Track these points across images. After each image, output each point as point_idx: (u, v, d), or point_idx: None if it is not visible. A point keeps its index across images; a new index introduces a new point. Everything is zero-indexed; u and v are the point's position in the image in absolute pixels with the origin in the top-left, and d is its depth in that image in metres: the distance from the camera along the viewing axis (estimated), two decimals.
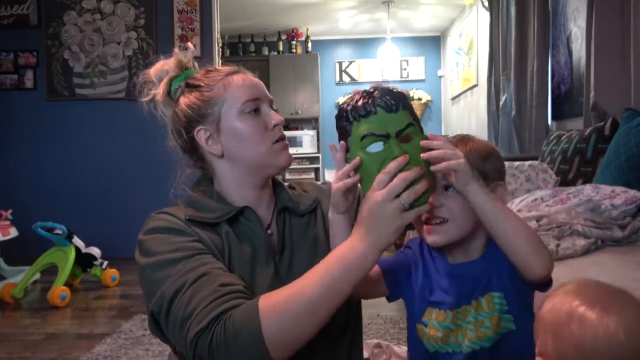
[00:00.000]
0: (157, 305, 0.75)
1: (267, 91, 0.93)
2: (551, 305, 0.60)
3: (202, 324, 0.68)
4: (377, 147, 0.72)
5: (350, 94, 0.81)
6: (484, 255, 0.80)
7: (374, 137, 0.72)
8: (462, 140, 0.83)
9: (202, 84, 0.91)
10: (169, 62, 0.96)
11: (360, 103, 0.74)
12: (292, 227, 0.94)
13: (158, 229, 0.82)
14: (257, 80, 0.93)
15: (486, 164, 0.80)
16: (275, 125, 0.90)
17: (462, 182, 0.71)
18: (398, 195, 0.67)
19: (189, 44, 1.01)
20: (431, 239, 0.77)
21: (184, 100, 0.92)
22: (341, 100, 7.04)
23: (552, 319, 0.59)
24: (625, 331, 0.54)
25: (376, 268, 0.86)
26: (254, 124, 0.88)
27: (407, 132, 0.73)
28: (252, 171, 0.90)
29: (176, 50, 0.98)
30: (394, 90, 0.76)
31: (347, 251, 0.69)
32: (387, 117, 0.73)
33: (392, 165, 0.67)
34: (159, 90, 0.95)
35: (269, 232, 0.93)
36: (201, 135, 0.90)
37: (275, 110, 0.93)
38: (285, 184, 1.01)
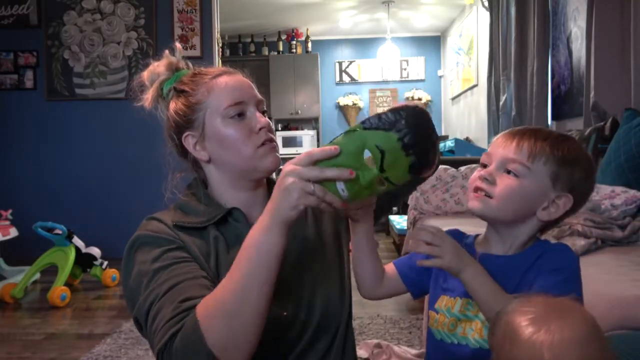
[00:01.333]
0: (138, 316, 0.77)
1: (254, 91, 0.91)
2: (502, 322, 0.59)
3: (161, 342, 0.69)
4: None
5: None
6: (516, 255, 0.78)
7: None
8: (558, 139, 0.76)
9: (187, 89, 0.90)
10: (161, 64, 0.95)
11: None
12: None
13: (141, 240, 0.82)
14: (243, 80, 0.91)
15: (562, 169, 0.74)
16: (260, 129, 0.88)
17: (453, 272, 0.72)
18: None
19: (177, 44, 0.98)
20: (471, 204, 0.77)
21: (172, 106, 0.92)
22: (341, 100, 7.04)
23: (498, 336, 0.58)
24: (549, 354, 0.53)
25: (392, 268, 0.87)
26: (238, 129, 0.87)
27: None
28: (240, 175, 0.90)
29: (166, 52, 0.98)
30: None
31: (254, 228, 0.69)
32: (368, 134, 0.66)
33: (316, 150, 0.65)
34: (148, 95, 0.95)
35: None
36: (189, 141, 0.90)
37: (264, 112, 0.92)
38: None
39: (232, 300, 0.67)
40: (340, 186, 0.65)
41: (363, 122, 0.66)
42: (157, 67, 0.95)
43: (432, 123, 0.67)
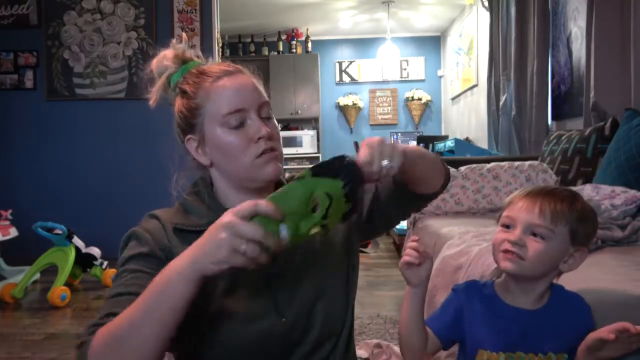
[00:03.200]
0: None
1: (257, 95, 0.86)
2: None
3: (78, 341, 0.71)
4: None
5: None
6: (546, 305, 0.87)
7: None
8: (572, 199, 0.87)
9: (188, 90, 0.87)
10: (168, 55, 0.92)
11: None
12: None
13: (134, 235, 0.83)
14: (244, 83, 0.86)
15: (579, 227, 0.85)
16: (259, 138, 0.83)
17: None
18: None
19: (183, 34, 0.96)
20: (504, 264, 0.85)
21: (176, 105, 0.90)
22: (341, 100, 7.04)
23: None
24: None
25: (431, 334, 0.91)
26: (236, 138, 0.84)
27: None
28: (240, 182, 0.88)
29: (173, 41, 0.94)
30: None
31: (173, 263, 0.66)
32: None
33: (263, 205, 0.63)
34: (154, 90, 0.92)
35: None
36: (191, 144, 0.89)
37: (267, 117, 0.87)
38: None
39: (122, 330, 0.65)
40: (284, 230, 0.65)
41: (312, 169, 0.67)
42: (164, 59, 0.92)
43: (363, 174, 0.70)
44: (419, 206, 0.98)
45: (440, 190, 0.93)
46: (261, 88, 0.89)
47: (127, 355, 0.65)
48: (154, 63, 0.92)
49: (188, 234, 0.82)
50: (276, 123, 0.91)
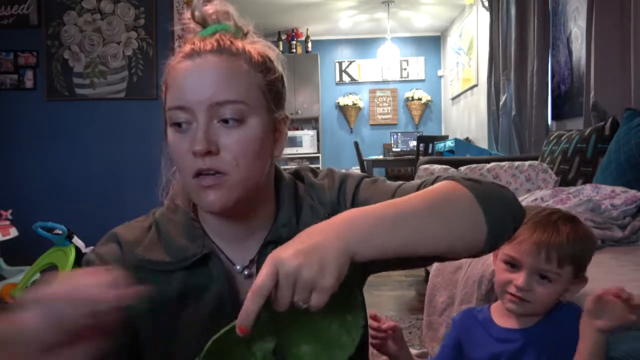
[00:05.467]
0: None
1: (219, 88, 0.61)
2: None
3: None
4: None
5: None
6: (541, 321, 0.88)
7: None
8: (576, 236, 0.86)
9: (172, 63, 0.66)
10: (189, 14, 0.69)
11: None
12: None
13: (87, 263, 0.69)
14: (203, 72, 0.62)
15: (582, 262, 0.87)
16: (194, 152, 0.61)
17: None
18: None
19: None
20: (509, 306, 0.86)
21: None
22: (341, 100, 7.03)
23: None
24: None
25: None
26: (176, 142, 0.64)
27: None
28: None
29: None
30: None
31: None
32: None
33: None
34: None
35: (247, 272, 0.70)
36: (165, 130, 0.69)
37: (233, 122, 0.62)
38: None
39: None
40: None
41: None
42: (189, 20, 0.69)
43: None
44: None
45: (484, 253, 0.60)
46: (240, 79, 0.63)
47: None
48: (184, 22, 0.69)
49: (150, 273, 0.65)
50: (256, 134, 0.63)
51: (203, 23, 0.68)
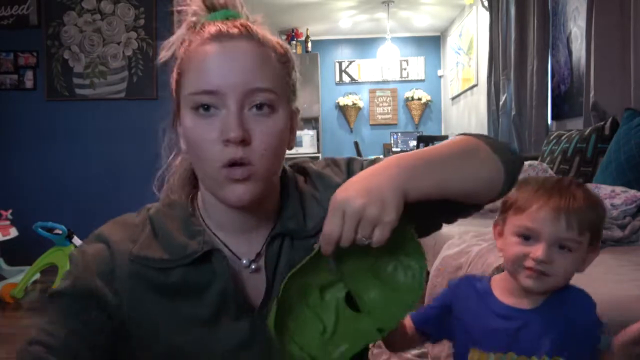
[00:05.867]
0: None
1: (252, 75, 0.59)
2: None
3: None
4: None
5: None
6: (544, 303, 0.80)
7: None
8: (591, 200, 0.79)
9: (183, 40, 0.65)
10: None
11: None
12: (292, 258, 0.66)
13: (71, 265, 0.65)
14: (236, 56, 0.59)
15: (598, 225, 0.79)
16: (226, 141, 0.58)
17: None
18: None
19: None
20: (527, 283, 0.77)
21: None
22: (341, 100, 7.03)
23: None
24: None
25: (411, 325, 0.86)
26: (201, 128, 0.60)
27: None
28: (209, 189, 0.65)
29: None
30: None
31: None
32: None
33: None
34: (169, 42, 0.68)
35: (254, 267, 0.67)
36: (177, 126, 0.66)
37: (263, 111, 0.60)
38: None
39: None
40: None
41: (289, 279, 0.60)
42: (191, 2, 0.66)
43: None
44: (467, 214, 0.76)
45: (502, 194, 0.71)
46: (270, 68, 0.61)
47: None
48: (184, 2, 0.67)
49: (147, 270, 0.63)
50: (283, 125, 0.62)
51: (211, 7, 0.65)
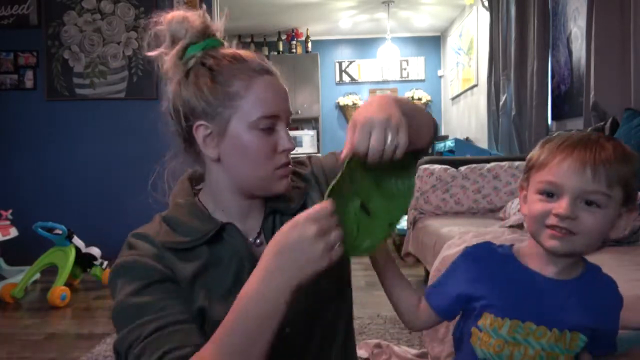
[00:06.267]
0: (118, 346, 0.71)
1: (288, 104, 0.81)
2: None
3: None
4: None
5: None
6: (575, 279, 0.74)
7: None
8: (621, 151, 0.71)
9: (220, 72, 0.77)
10: (193, 19, 0.79)
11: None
12: None
13: (128, 267, 0.74)
14: (281, 88, 0.80)
15: (631, 185, 0.70)
16: (283, 151, 0.79)
17: None
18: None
19: (226, 9, 0.80)
20: (551, 244, 0.70)
21: (194, 80, 0.77)
22: (341, 100, 7.03)
23: None
24: None
25: (424, 302, 0.82)
26: (263, 143, 0.77)
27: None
28: (245, 186, 0.81)
29: (204, 7, 0.83)
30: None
31: (258, 300, 0.62)
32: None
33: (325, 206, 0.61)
34: (170, 56, 0.79)
35: (258, 241, 0.84)
36: (200, 131, 0.78)
37: (289, 124, 0.83)
38: None
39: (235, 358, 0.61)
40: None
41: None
42: (188, 22, 0.78)
43: None
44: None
45: (429, 144, 0.86)
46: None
47: None
48: (171, 21, 0.79)
49: (178, 252, 0.76)
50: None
51: (202, 35, 0.80)
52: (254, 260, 0.73)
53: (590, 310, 0.72)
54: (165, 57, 0.80)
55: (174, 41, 0.80)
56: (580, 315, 0.71)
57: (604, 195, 0.67)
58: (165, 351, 0.65)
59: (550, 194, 0.70)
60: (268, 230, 0.84)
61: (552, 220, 0.69)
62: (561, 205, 0.68)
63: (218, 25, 0.82)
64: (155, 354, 0.65)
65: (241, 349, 0.61)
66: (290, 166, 0.81)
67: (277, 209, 0.85)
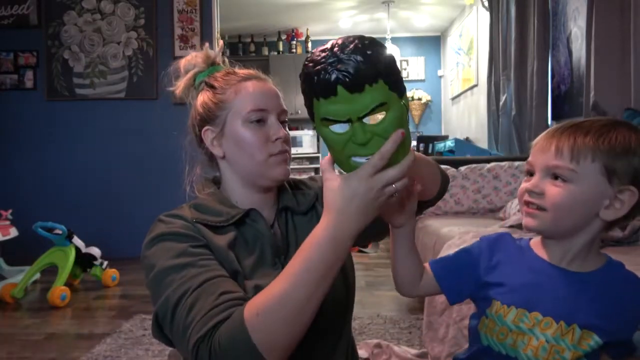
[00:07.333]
0: (161, 309, 0.74)
1: (279, 101, 0.93)
2: None
3: (201, 332, 0.67)
4: (341, 127, 0.65)
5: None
6: (592, 272, 0.73)
7: (333, 121, 0.64)
8: (602, 130, 0.70)
9: (217, 86, 0.93)
10: (199, 55, 0.98)
11: (320, 77, 0.64)
12: (295, 226, 0.95)
13: (165, 235, 0.81)
14: (270, 88, 0.94)
15: (615, 162, 0.68)
16: (277, 139, 0.90)
17: None
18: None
19: (220, 41, 1.04)
20: (525, 221, 0.73)
21: (201, 98, 0.95)
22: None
23: None
24: None
25: (428, 268, 0.82)
26: (255, 134, 0.89)
27: (378, 111, 0.63)
28: (249, 178, 0.92)
29: (207, 44, 1.01)
30: (370, 50, 0.63)
31: (327, 244, 0.65)
32: (350, 98, 0.61)
33: (388, 147, 0.62)
34: (180, 83, 0.98)
35: (272, 231, 0.94)
36: (208, 135, 0.93)
37: (285, 122, 0.94)
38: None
39: (293, 308, 0.65)
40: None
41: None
42: (195, 58, 0.98)
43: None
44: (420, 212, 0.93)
45: (437, 198, 0.92)
46: (282, 98, 0.95)
47: (299, 325, 0.66)
48: (185, 61, 0.98)
49: (208, 229, 0.85)
50: (288, 130, 0.97)
51: (211, 63, 0.98)
52: (275, 244, 0.89)
53: (608, 310, 0.70)
54: (177, 88, 0.98)
55: (187, 74, 0.99)
56: (595, 314, 0.70)
57: (567, 170, 0.69)
58: (221, 293, 0.71)
59: (530, 174, 0.75)
60: (282, 224, 0.94)
61: (525, 197, 0.73)
62: (531, 182, 0.73)
63: (216, 52, 0.99)
64: (212, 295, 0.70)
65: (306, 294, 0.65)
66: (286, 154, 0.91)
67: (287, 206, 0.95)
